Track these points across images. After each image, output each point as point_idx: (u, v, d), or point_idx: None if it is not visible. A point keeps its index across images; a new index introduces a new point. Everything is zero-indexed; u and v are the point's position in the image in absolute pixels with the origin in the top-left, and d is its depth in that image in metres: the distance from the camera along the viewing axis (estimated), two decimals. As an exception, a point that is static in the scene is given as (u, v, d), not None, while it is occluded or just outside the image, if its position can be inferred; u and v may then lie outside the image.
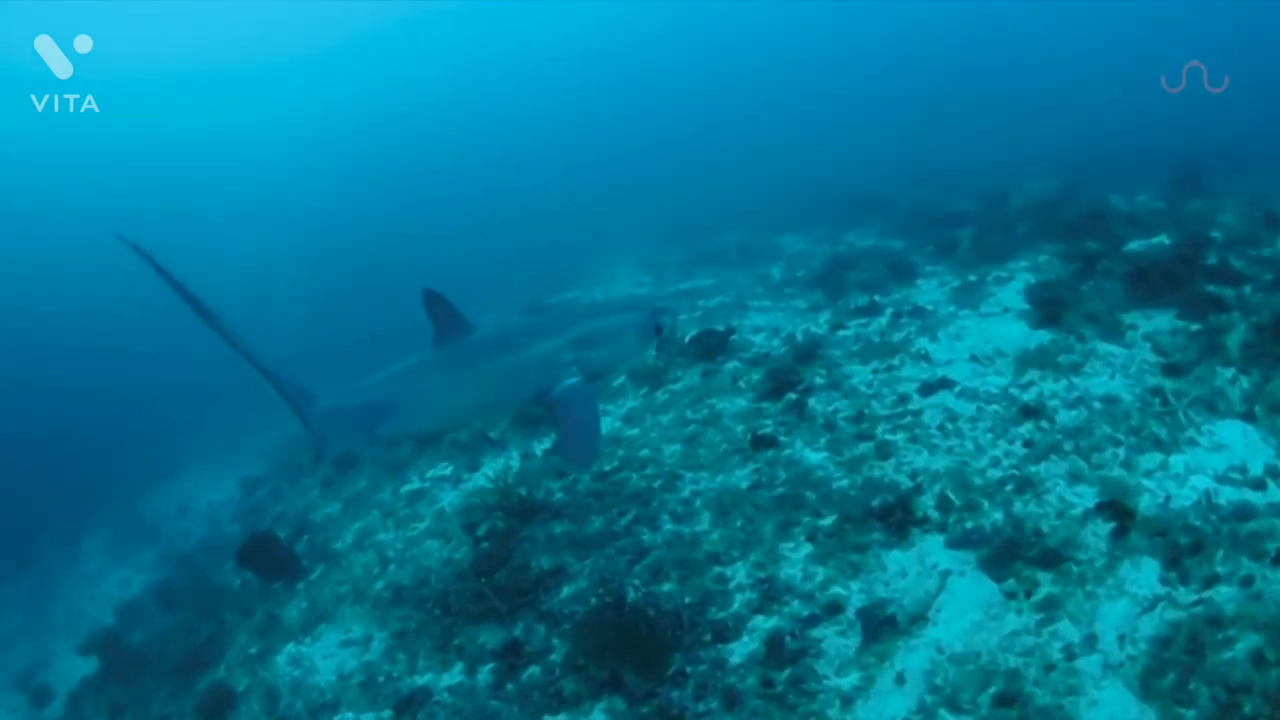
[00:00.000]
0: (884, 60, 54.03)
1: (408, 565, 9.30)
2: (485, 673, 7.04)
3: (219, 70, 68.43)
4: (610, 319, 7.43)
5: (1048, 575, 6.03)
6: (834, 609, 6.32)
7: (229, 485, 18.08)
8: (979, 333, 10.17)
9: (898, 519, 6.92)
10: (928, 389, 8.90)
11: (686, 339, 12.00)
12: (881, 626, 5.98)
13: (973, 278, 12.67)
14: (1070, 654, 5.43)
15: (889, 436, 8.22)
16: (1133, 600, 5.70)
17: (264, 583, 10.59)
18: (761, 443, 8.69)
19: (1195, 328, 9.03)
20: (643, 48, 71.73)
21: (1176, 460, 6.99)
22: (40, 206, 56.84)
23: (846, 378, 9.70)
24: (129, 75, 58.68)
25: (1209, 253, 10.69)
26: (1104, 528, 6.31)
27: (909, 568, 6.51)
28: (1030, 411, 7.96)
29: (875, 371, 9.72)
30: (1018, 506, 6.76)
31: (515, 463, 10.56)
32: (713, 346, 11.57)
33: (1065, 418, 7.80)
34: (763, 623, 6.42)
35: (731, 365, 11.15)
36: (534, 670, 6.80)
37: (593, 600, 6.85)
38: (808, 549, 7.02)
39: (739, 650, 6.26)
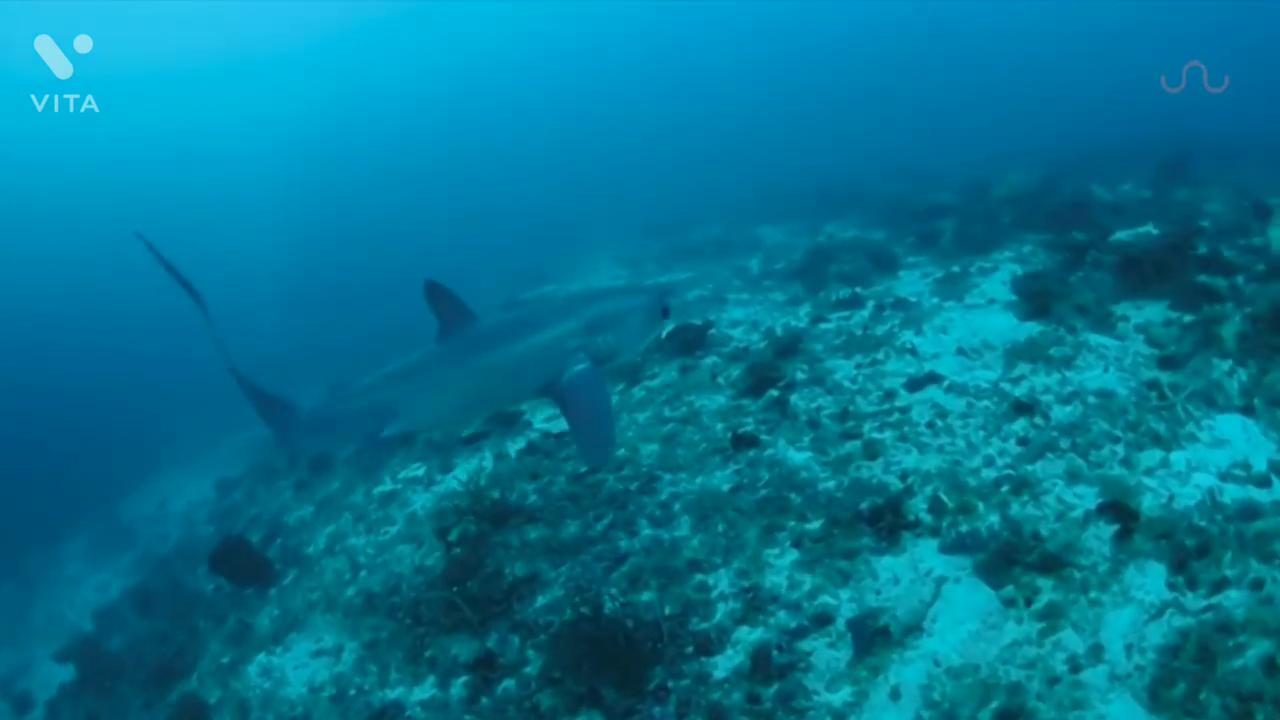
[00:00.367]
0: (863, 53, 53.88)
1: (379, 572, 8.99)
2: (459, 686, 6.78)
3: (219, 68, 68.74)
4: (617, 301, 7.17)
5: (1048, 581, 5.76)
6: (823, 619, 6.00)
7: (206, 486, 17.75)
8: (965, 325, 9.87)
9: (888, 523, 6.59)
10: (915, 384, 8.59)
11: (663, 333, 11.66)
12: (874, 638, 5.70)
13: (956, 269, 12.41)
14: (1075, 665, 5.19)
15: (876, 434, 7.89)
16: (1139, 607, 5.47)
17: (236, 588, 10.38)
18: (742, 442, 8.34)
19: (1189, 319, 8.83)
20: (618, 42, 71.55)
21: (1178, 457, 6.76)
22: (39, 206, 56.48)
23: (829, 373, 9.37)
24: (129, 75, 58.45)
25: (1199, 242, 10.46)
26: (1106, 530, 6.05)
27: (901, 575, 6.19)
28: (1023, 407, 7.67)
29: (859, 366, 9.39)
30: (1015, 508, 6.46)
31: (489, 464, 10.19)
32: (690, 341, 11.24)
33: (1060, 413, 7.51)
34: (747, 634, 6.11)
35: (710, 360, 10.82)
36: (509, 684, 6.53)
37: (569, 610, 6.56)
38: (793, 555, 6.69)
39: (723, 664, 5.95)
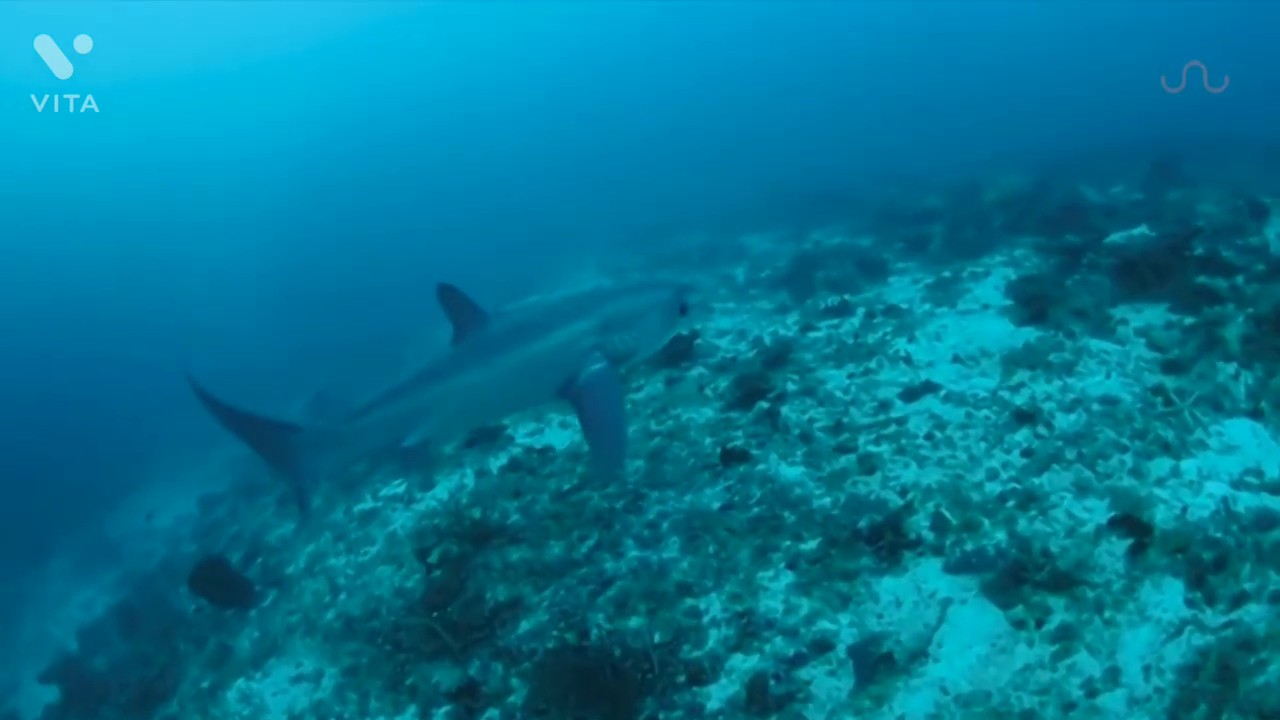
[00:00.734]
0: (853, 54, 53.86)
1: (358, 594, 8.68)
2: (440, 716, 6.50)
3: (219, 69, 68.78)
4: (633, 299, 6.88)
5: (1060, 601, 5.47)
6: (822, 646, 5.69)
7: (193, 501, 17.44)
8: (960, 331, 9.59)
9: (888, 541, 6.28)
10: (911, 394, 8.29)
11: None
12: (877, 665, 5.39)
13: (947, 274, 12.19)
14: (1091, 690, 4.93)
15: (872, 448, 7.57)
16: (1156, 626, 5.21)
17: (216, 609, 10.13)
18: (732, 457, 8.00)
19: (1190, 321, 8.61)
20: (602, 50, 71.53)
21: (1188, 465, 6.51)
22: (38, 206, 55.90)
23: (821, 383, 9.07)
24: (129, 75, 58.38)
25: (1196, 243, 10.23)
26: (1119, 545, 5.77)
27: (904, 597, 5.88)
28: (1025, 416, 7.38)
29: (851, 376, 9.10)
30: (1022, 524, 6.16)
31: (470, 481, 9.86)
32: (676, 352, 10.91)
33: (1064, 422, 7.23)
34: (742, 662, 5.79)
35: (696, 372, 10.53)
36: (493, 714, 6.26)
37: (553, 637, 6.29)
38: (789, 578, 6.37)
39: (717, 694, 5.64)
